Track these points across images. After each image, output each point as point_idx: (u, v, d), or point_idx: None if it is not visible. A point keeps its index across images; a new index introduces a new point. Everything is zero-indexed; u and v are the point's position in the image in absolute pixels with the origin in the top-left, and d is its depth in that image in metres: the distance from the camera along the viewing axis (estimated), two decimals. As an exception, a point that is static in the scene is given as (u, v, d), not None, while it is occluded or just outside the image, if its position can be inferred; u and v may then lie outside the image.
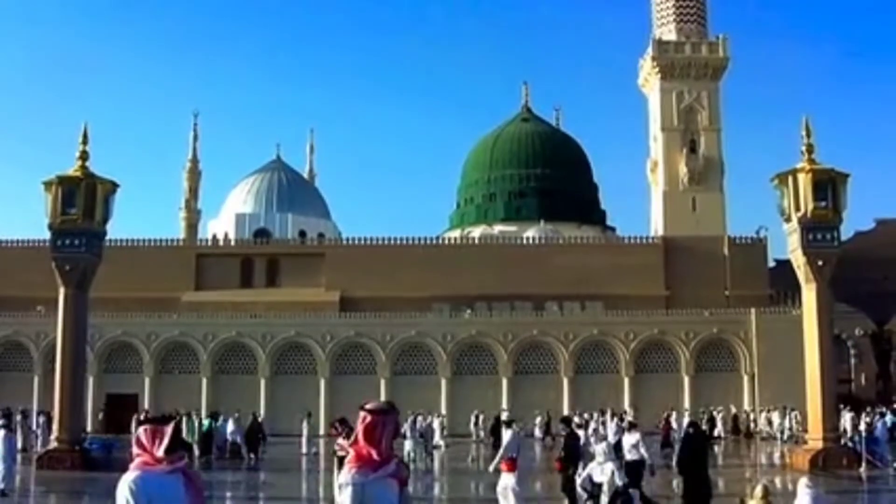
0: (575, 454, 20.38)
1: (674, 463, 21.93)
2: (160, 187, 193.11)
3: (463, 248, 77.67)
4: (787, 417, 52.02)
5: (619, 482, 18.47)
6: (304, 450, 42.19)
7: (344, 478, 6.09)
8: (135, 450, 5.88)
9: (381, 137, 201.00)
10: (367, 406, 6.20)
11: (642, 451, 20.07)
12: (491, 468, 17.91)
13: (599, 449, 19.61)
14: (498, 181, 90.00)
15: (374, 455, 6.03)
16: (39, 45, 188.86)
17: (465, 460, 40.51)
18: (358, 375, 62.91)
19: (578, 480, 19.41)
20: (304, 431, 44.69)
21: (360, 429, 6.11)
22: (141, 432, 5.86)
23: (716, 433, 51.02)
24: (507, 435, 18.42)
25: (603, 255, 73.44)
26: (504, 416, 19.47)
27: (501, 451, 18.30)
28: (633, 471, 19.69)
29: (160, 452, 5.75)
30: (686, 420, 49.28)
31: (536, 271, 69.99)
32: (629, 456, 20.13)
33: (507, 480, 17.67)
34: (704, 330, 63.32)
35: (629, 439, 20.65)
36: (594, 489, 19.10)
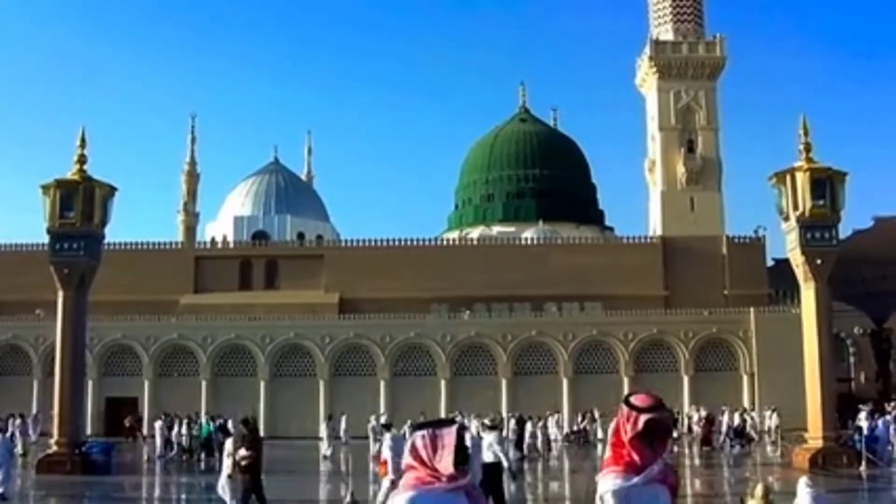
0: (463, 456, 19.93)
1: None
2: (158, 190, 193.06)
3: (461, 249, 77.66)
4: (768, 417, 51.96)
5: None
6: (325, 452, 41.77)
7: (604, 484, 5.25)
8: (407, 460, 4.84)
9: (378, 139, 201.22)
10: (635, 401, 5.26)
11: (498, 452, 19.40)
12: (391, 475, 17.57)
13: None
14: (496, 182, 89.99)
15: (636, 457, 5.16)
16: (37, 48, 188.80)
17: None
18: (357, 377, 62.94)
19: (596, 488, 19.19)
20: (325, 433, 44.54)
21: (626, 427, 5.20)
22: (417, 439, 4.83)
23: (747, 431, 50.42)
24: (386, 438, 18.14)
25: (601, 255, 73.49)
26: (383, 420, 19.03)
27: (390, 457, 17.89)
28: (491, 473, 19.06)
29: (447, 467, 4.73)
30: (734, 419, 49.31)
31: (535, 272, 70.00)
32: (487, 457, 19.25)
33: (385, 484, 17.56)
34: (703, 329, 63.34)
35: (487, 439, 19.87)
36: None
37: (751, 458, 42.11)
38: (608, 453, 5.31)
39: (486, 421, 22.00)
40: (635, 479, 5.11)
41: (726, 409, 51.55)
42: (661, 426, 5.19)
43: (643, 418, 5.13)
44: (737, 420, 50.34)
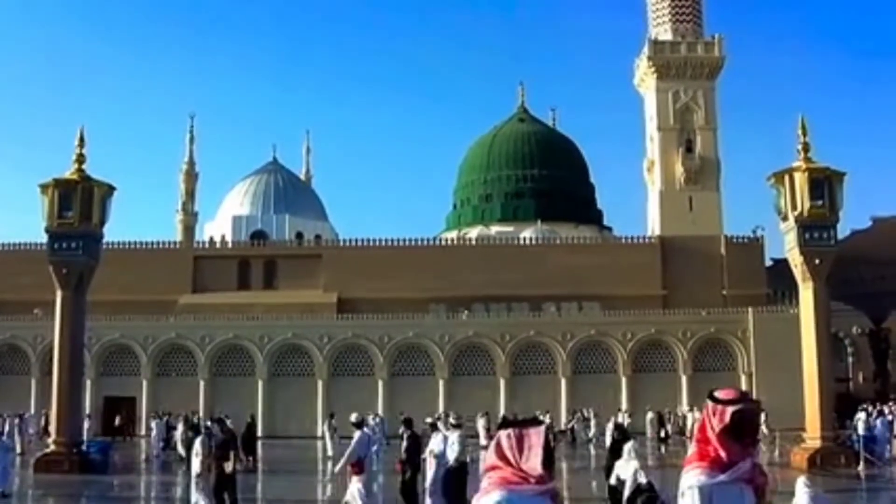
0: (415, 457, 19.94)
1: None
2: (157, 190, 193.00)
3: (460, 249, 77.69)
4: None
5: (641, 480, 18.41)
6: (329, 452, 41.33)
7: (687, 479, 5.02)
8: (491, 459, 4.62)
9: (377, 139, 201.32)
10: (719, 395, 5.05)
11: (456, 451, 19.35)
12: (336, 470, 17.49)
13: (626, 448, 19.53)
14: (494, 182, 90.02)
15: (723, 453, 4.91)
16: (35, 47, 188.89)
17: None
18: (356, 377, 62.91)
19: (612, 480, 19.30)
20: (327, 433, 44.29)
21: (711, 421, 4.99)
22: (503, 438, 4.64)
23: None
24: (354, 436, 18.11)
25: (600, 255, 73.51)
26: (353, 418, 18.89)
27: (347, 453, 17.82)
28: (455, 474, 19.13)
29: (535, 467, 4.51)
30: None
31: (533, 272, 70.03)
32: (452, 459, 19.26)
33: (354, 485, 17.50)
34: (702, 329, 63.34)
35: (452, 439, 19.94)
36: (619, 485, 19.10)
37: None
38: (692, 449, 5.10)
39: (451, 420, 22.10)
40: (721, 477, 4.89)
41: None
42: (748, 417, 4.99)
43: (730, 410, 4.94)
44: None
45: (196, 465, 19.04)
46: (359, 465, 17.56)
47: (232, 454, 19.68)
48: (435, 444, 20.09)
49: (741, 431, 4.95)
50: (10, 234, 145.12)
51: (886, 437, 35.36)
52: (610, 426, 41.99)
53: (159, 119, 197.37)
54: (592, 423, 53.69)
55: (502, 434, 4.63)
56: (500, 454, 4.57)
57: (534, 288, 68.56)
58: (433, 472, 19.70)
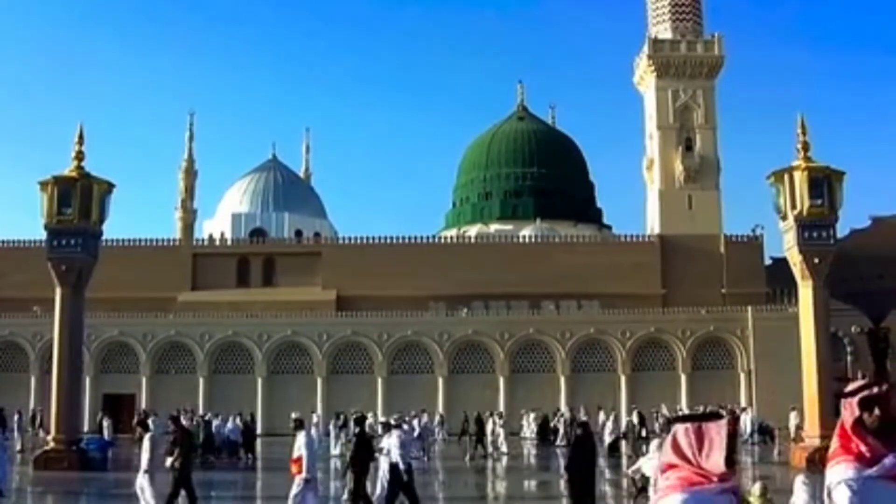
0: (365, 457, 19.93)
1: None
2: (156, 187, 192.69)
3: (459, 247, 77.72)
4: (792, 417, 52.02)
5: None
6: (335, 452, 41.10)
7: (835, 474, 4.67)
8: (667, 458, 4.30)
9: (376, 137, 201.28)
10: (848, 388, 4.71)
11: (395, 452, 19.51)
12: (305, 474, 17.42)
13: (653, 445, 19.59)
14: (494, 180, 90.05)
15: (864, 448, 4.55)
16: (34, 45, 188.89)
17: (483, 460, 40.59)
18: (355, 374, 62.97)
19: (630, 472, 19.40)
20: (332, 431, 44.14)
21: (846, 416, 4.66)
22: (680, 435, 4.28)
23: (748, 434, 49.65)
24: (300, 437, 18.07)
25: (599, 253, 73.51)
26: (294, 416, 18.84)
27: (307, 457, 17.73)
28: (395, 473, 19.29)
29: (717, 465, 4.17)
30: (749, 416, 49.12)
31: (533, 270, 70.03)
32: (395, 458, 19.44)
33: (297, 482, 17.45)
34: (701, 328, 63.39)
35: (388, 440, 20.18)
36: (644, 482, 19.15)
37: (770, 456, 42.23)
38: (834, 445, 4.74)
39: (391, 420, 22.24)
40: (869, 471, 4.50)
41: (749, 407, 51.28)
42: (880, 401, 4.57)
43: (857, 397, 4.59)
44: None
45: (145, 461, 19.20)
46: (300, 465, 17.49)
47: (177, 451, 19.67)
48: (385, 443, 20.34)
49: (881, 423, 4.56)
50: (9, 231, 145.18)
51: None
52: (610, 426, 42.38)
53: (159, 116, 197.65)
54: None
55: (679, 429, 4.28)
56: (678, 452, 4.23)
57: (533, 286, 68.55)
58: (383, 472, 19.89)
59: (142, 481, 18.98)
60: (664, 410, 57.17)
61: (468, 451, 40.37)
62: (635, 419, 49.02)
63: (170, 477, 19.50)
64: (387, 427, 21.49)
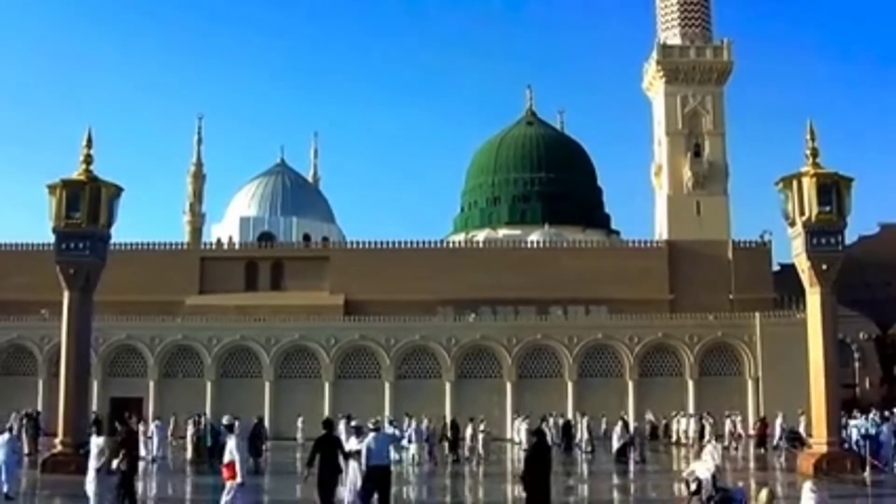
0: (334, 459, 19.82)
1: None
2: (164, 191, 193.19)
3: (467, 251, 77.71)
4: (693, 423, 51.64)
5: (713, 481, 18.54)
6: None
7: None
8: None
9: (384, 141, 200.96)
10: None
11: (362, 455, 19.62)
12: (239, 479, 17.37)
13: (707, 450, 19.62)
14: (502, 185, 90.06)
15: None
16: (44, 49, 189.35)
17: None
18: (362, 379, 63.04)
19: (684, 474, 19.47)
20: (343, 435, 43.86)
21: None
22: None
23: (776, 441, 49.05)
24: (231, 442, 18.02)
25: (607, 258, 73.44)
26: (225, 420, 18.80)
27: (237, 460, 17.67)
28: (379, 476, 19.35)
29: None
30: (779, 421, 48.96)
31: (540, 275, 70.01)
32: (374, 461, 19.50)
33: (228, 488, 17.39)
34: (708, 334, 63.33)
35: (354, 443, 20.37)
36: (697, 485, 19.22)
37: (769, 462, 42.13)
38: None
39: (351, 424, 22.29)
40: None
41: (780, 413, 50.90)
42: None
43: None
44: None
45: (93, 462, 19.45)
46: (232, 470, 17.43)
47: (122, 453, 19.81)
48: (356, 445, 20.43)
49: None
50: (18, 235, 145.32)
51: (892, 443, 35.19)
52: (619, 430, 42.29)
53: (167, 120, 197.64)
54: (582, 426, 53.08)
55: None
56: None
57: (541, 291, 68.53)
58: (353, 476, 19.90)
59: (89, 482, 19.29)
60: (649, 416, 57.32)
61: (435, 456, 40.07)
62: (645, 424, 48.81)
63: (115, 479, 19.70)
64: (358, 431, 21.45)
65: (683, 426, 53.30)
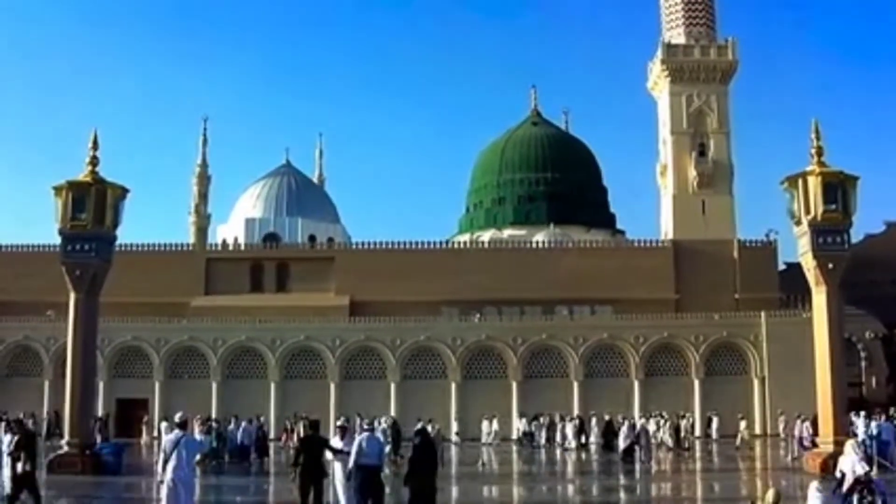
0: (319, 460, 19.71)
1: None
2: (170, 192, 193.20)
3: (472, 252, 77.73)
4: (663, 425, 51.32)
5: (859, 472, 18.62)
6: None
7: None
8: None
9: (390, 142, 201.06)
10: None
11: (352, 454, 19.31)
12: (159, 477, 17.34)
13: (849, 444, 19.82)
14: (507, 185, 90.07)
15: None
16: (49, 51, 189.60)
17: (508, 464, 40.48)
18: (368, 380, 63.02)
19: (837, 473, 19.61)
20: (356, 435, 43.56)
21: None
22: None
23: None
24: (164, 437, 18.06)
25: (612, 258, 73.41)
26: (177, 418, 18.73)
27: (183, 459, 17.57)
28: (370, 475, 19.09)
29: None
30: (805, 424, 48.66)
31: (546, 275, 70.00)
32: (365, 460, 19.11)
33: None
34: (714, 333, 63.26)
35: (336, 442, 20.29)
36: (841, 478, 19.36)
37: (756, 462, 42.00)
38: None
39: (338, 423, 22.30)
40: None
41: (800, 414, 50.56)
42: None
43: None
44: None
45: (7, 462, 20.03)
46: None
47: (23, 454, 20.10)
48: (337, 442, 20.37)
49: None
50: (24, 236, 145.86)
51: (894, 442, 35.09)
52: (625, 430, 42.22)
53: (173, 122, 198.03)
54: (570, 427, 52.93)
55: None
56: None
57: (546, 291, 68.52)
58: (340, 476, 19.87)
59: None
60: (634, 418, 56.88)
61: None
62: (651, 426, 48.50)
63: (8, 477, 20.23)
64: (342, 431, 21.40)
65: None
